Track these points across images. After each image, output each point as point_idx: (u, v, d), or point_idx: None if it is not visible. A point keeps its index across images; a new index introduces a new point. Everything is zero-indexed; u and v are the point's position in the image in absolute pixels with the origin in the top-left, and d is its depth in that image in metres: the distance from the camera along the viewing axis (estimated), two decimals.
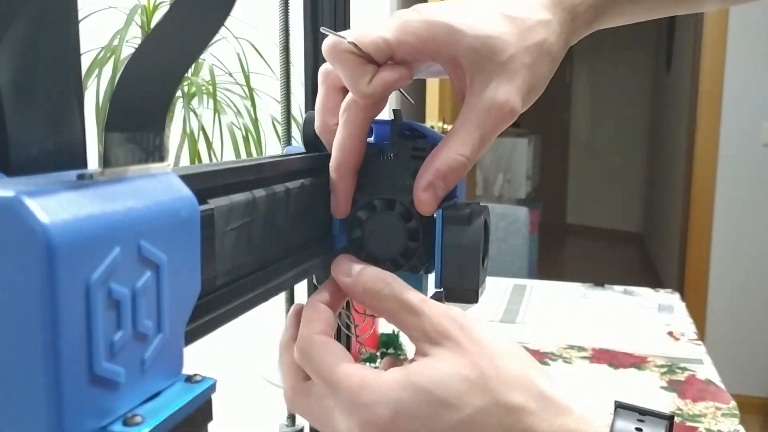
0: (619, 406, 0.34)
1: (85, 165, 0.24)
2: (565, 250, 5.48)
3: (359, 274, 0.36)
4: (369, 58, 0.36)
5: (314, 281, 0.46)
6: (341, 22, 0.50)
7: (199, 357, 0.93)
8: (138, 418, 0.21)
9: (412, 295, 0.35)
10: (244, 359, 0.95)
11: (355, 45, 0.35)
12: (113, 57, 1.48)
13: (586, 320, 1.13)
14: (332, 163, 0.40)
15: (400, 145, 0.43)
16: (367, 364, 0.52)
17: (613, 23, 0.42)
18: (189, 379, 0.24)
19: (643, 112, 5.42)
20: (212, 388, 0.24)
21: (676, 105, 3.89)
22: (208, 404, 0.24)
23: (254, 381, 0.87)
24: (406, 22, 0.36)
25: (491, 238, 0.43)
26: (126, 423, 0.21)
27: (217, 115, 1.58)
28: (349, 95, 0.38)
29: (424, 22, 0.35)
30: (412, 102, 0.46)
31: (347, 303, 0.55)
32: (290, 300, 0.51)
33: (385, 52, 0.36)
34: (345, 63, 0.36)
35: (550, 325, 1.10)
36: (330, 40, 0.36)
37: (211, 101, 1.56)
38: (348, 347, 0.56)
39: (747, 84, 2.51)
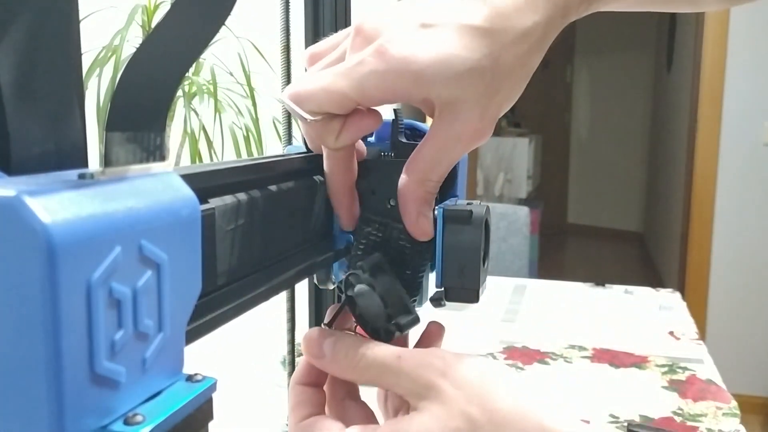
0: (631, 429, 0.34)
1: (86, 164, 0.24)
2: (566, 250, 5.48)
3: (331, 354, 0.35)
4: (332, 115, 0.34)
5: (314, 280, 0.46)
6: (342, 21, 0.50)
7: (200, 356, 0.93)
8: (139, 417, 0.21)
9: (388, 356, 0.33)
10: (245, 359, 0.95)
11: (309, 120, 0.34)
12: (114, 56, 1.48)
13: (586, 320, 1.13)
14: (328, 190, 0.40)
15: (400, 145, 0.43)
16: None
17: (603, 9, 0.39)
18: (190, 378, 0.24)
19: (643, 111, 5.41)
20: (213, 387, 0.24)
21: (677, 104, 3.88)
22: (209, 403, 0.24)
23: (255, 381, 0.88)
24: (369, 73, 0.32)
25: (492, 237, 0.43)
26: (127, 422, 0.21)
27: (217, 114, 1.58)
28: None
29: (389, 73, 0.32)
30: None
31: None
32: (291, 299, 0.51)
33: (348, 107, 0.34)
34: (309, 126, 0.35)
35: (550, 325, 1.10)
36: (291, 110, 0.35)
37: (212, 101, 1.56)
38: None
39: (748, 83, 2.51)
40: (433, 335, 0.41)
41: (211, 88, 1.56)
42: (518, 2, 0.33)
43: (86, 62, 1.51)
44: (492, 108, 0.33)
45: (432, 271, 0.44)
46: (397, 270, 0.38)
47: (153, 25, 1.52)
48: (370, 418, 0.37)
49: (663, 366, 0.92)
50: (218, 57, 1.71)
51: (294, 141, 0.51)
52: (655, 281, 4.04)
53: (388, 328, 0.37)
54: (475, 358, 0.33)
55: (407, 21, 0.33)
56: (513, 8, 0.32)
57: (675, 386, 0.86)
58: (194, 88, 1.57)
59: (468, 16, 0.32)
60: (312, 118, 0.34)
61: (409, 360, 0.33)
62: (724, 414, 0.78)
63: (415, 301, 0.41)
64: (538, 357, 0.95)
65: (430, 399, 0.31)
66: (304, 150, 0.43)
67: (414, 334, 0.41)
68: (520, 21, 0.32)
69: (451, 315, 1.09)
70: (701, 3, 0.44)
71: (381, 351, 0.34)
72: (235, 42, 1.67)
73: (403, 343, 0.41)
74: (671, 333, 1.07)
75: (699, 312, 2.58)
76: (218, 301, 0.29)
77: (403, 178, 0.37)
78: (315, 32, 0.49)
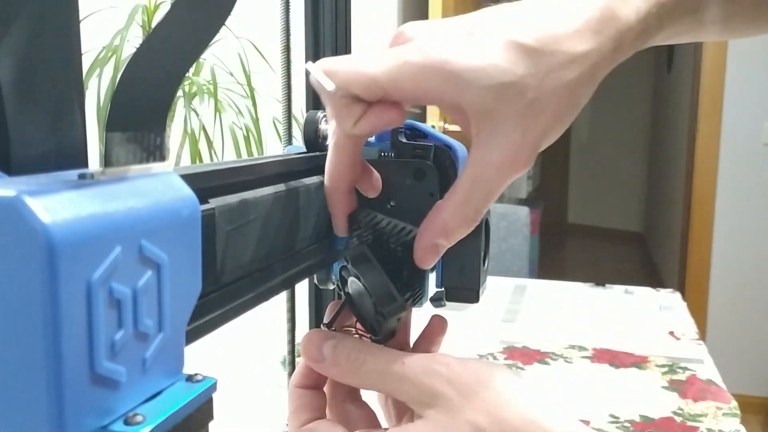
0: None
1: (86, 164, 0.24)
2: (566, 250, 5.48)
3: (332, 357, 0.34)
4: (357, 98, 0.32)
5: (315, 280, 0.46)
6: (342, 21, 0.50)
7: (200, 356, 0.93)
8: (139, 418, 0.21)
9: (391, 362, 0.32)
10: (246, 359, 0.95)
11: (335, 91, 0.32)
12: (114, 56, 1.48)
13: (587, 320, 1.13)
14: (325, 188, 0.38)
15: (400, 145, 0.43)
16: None
17: (655, 44, 0.38)
18: (190, 378, 0.24)
19: (644, 111, 5.41)
20: (213, 387, 0.24)
21: (677, 104, 3.88)
22: (209, 403, 0.24)
23: (255, 381, 0.88)
24: (405, 64, 0.31)
25: (492, 237, 0.43)
26: (127, 422, 0.21)
27: (218, 114, 1.58)
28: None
29: (425, 67, 0.30)
30: (418, 111, 0.45)
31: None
32: (291, 299, 0.51)
33: (375, 93, 0.32)
34: (330, 102, 0.33)
35: (551, 325, 1.10)
36: (314, 82, 0.32)
37: (212, 101, 1.56)
38: None
39: (748, 83, 2.51)
40: (435, 329, 0.40)
41: (212, 88, 1.56)
42: (570, 27, 0.31)
43: (86, 62, 1.51)
44: (533, 132, 0.31)
45: (432, 271, 0.44)
46: (392, 273, 0.37)
47: (153, 25, 1.52)
48: (372, 420, 0.37)
49: (663, 366, 0.92)
50: (218, 57, 1.71)
51: (294, 141, 0.51)
52: (655, 281, 4.03)
53: (376, 318, 0.36)
54: (482, 364, 0.32)
55: (454, 28, 0.32)
56: (564, 33, 0.31)
57: (675, 386, 0.86)
58: (194, 88, 1.57)
59: (518, 33, 0.31)
60: (334, 88, 0.31)
61: (413, 366, 0.32)
62: (724, 414, 0.78)
63: (419, 298, 0.40)
64: (539, 357, 0.95)
65: (436, 407, 0.31)
66: (304, 150, 0.43)
67: (416, 328, 0.41)
68: (570, 46, 0.31)
69: (451, 315, 1.09)
70: (701, 32, 0.43)
71: (384, 356, 0.33)
72: (236, 42, 1.67)
73: (405, 335, 0.40)
74: (671, 333, 1.07)
75: (699, 312, 2.58)
76: (218, 301, 0.29)
77: (439, 205, 0.34)
78: (315, 32, 0.49)
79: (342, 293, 0.39)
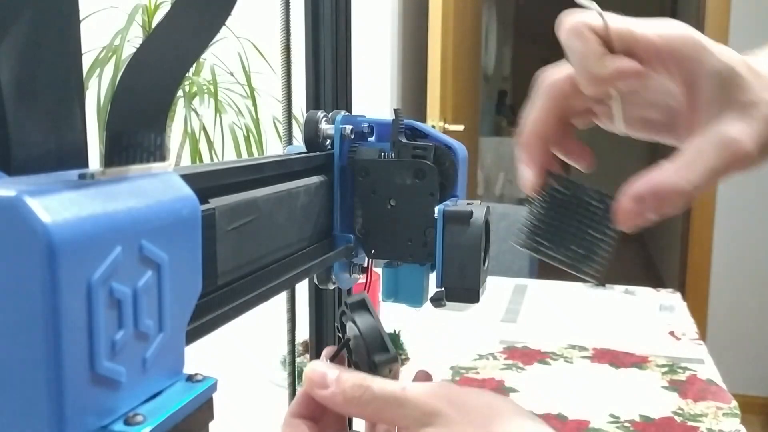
0: None
1: (86, 164, 0.24)
2: None
3: (336, 385, 0.34)
4: (609, 45, 0.32)
5: (315, 280, 0.46)
6: (342, 21, 0.50)
7: (201, 356, 0.93)
8: (139, 417, 0.21)
9: (392, 388, 0.33)
10: (246, 359, 0.95)
11: (605, 24, 0.32)
12: (114, 57, 1.48)
13: (587, 320, 1.13)
14: (523, 138, 0.37)
15: (401, 144, 0.43)
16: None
17: None
18: (190, 378, 0.24)
19: None
20: (213, 387, 0.24)
21: None
22: (210, 403, 0.24)
23: (255, 380, 0.88)
24: (658, 21, 0.33)
25: (492, 237, 0.43)
26: (127, 422, 0.21)
27: (218, 114, 1.58)
28: (562, 75, 0.36)
29: (674, 28, 0.33)
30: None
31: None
32: (291, 299, 0.51)
33: (627, 43, 0.32)
34: (585, 41, 0.32)
35: (551, 325, 1.10)
36: (574, 17, 0.32)
37: (213, 101, 1.56)
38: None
39: None
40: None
41: (212, 88, 1.56)
42: None
43: (87, 62, 1.51)
44: (752, 126, 0.33)
45: (432, 271, 0.44)
46: (580, 229, 0.36)
47: (153, 25, 1.52)
48: None
49: (663, 366, 0.92)
50: (218, 57, 1.71)
51: (294, 141, 0.51)
52: (656, 281, 4.03)
53: (369, 365, 0.37)
54: (482, 390, 0.33)
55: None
56: None
57: (675, 386, 0.86)
58: (194, 88, 1.57)
59: (751, 60, 0.34)
60: (603, 22, 0.32)
61: (415, 391, 0.33)
62: (724, 414, 0.78)
63: (599, 266, 0.38)
64: (539, 357, 0.95)
65: (435, 425, 0.31)
66: (305, 150, 0.43)
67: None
68: None
69: (451, 315, 1.09)
70: None
71: (386, 383, 0.34)
72: (236, 42, 1.67)
73: None
74: (671, 333, 1.07)
75: (699, 312, 2.58)
76: (219, 301, 0.29)
77: (658, 166, 0.34)
78: (315, 32, 0.49)
79: (341, 336, 0.40)
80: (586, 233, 0.37)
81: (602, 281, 0.37)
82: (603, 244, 0.37)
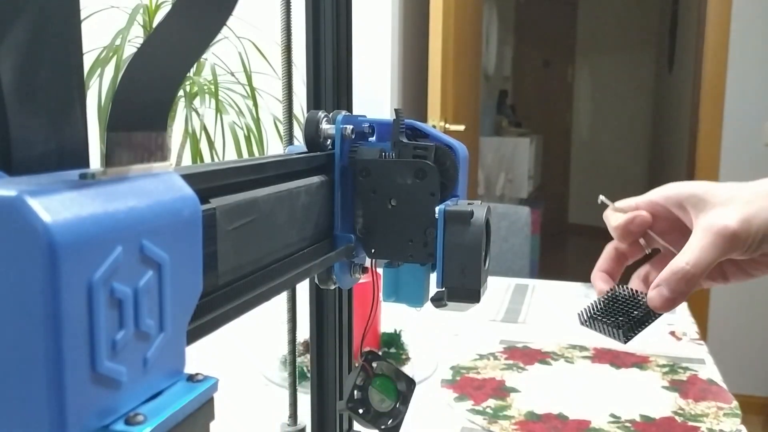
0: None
1: (87, 164, 0.24)
2: (567, 250, 5.48)
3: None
4: (622, 211, 0.50)
5: (315, 281, 0.46)
6: (343, 21, 0.50)
7: (202, 356, 0.93)
8: (140, 417, 0.21)
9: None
10: (246, 359, 0.95)
11: (612, 205, 0.52)
12: (115, 56, 1.48)
13: None
14: (598, 264, 0.54)
15: (401, 144, 0.43)
16: (371, 360, 0.52)
17: None
18: (191, 378, 0.24)
19: (645, 111, 5.41)
20: (214, 387, 0.24)
21: (678, 105, 3.88)
22: (210, 403, 0.24)
23: (256, 380, 0.88)
24: (654, 190, 0.50)
25: (493, 237, 0.43)
26: (128, 422, 0.21)
27: (219, 114, 1.58)
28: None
29: (656, 192, 0.50)
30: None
31: (348, 302, 0.55)
32: (292, 299, 0.51)
33: (631, 206, 0.51)
34: (608, 218, 0.51)
35: (551, 325, 1.10)
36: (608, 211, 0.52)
37: (213, 101, 1.56)
38: (349, 345, 0.56)
39: (749, 84, 2.51)
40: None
41: (212, 88, 1.56)
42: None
43: (88, 62, 1.51)
44: (733, 209, 0.45)
45: (433, 271, 0.44)
46: (627, 312, 0.51)
47: (154, 25, 1.52)
48: None
49: (664, 366, 0.92)
50: (219, 57, 1.71)
51: (295, 141, 0.51)
52: None
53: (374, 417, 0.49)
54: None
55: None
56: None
57: (676, 386, 0.86)
58: (195, 88, 1.57)
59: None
60: (612, 205, 0.51)
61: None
62: (725, 414, 0.78)
63: (633, 333, 0.51)
64: (539, 357, 0.95)
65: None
66: (305, 150, 0.43)
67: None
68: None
69: (452, 315, 1.09)
70: None
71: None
72: (236, 42, 1.67)
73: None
74: (672, 333, 1.07)
75: (700, 312, 2.58)
76: (219, 301, 0.29)
77: (676, 257, 0.46)
78: (316, 32, 0.49)
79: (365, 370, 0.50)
80: (631, 314, 0.50)
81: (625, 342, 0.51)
82: (643, 321, 0.50)
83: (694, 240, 0.45)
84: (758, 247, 0.45)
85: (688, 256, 0.44)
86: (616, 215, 0.50)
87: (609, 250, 0.54)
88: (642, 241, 0.52)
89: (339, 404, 0.51)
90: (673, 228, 0.50)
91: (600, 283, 0.53)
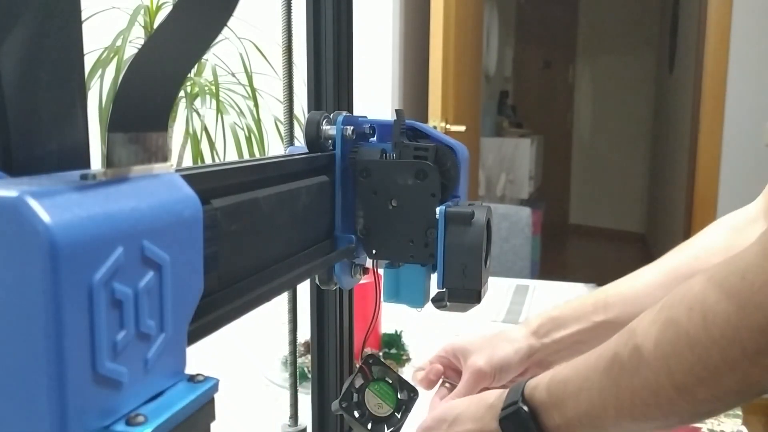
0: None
1: (88, 165, 0.24)
2: (568, 251, 5.48)
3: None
4: (422, 369, 0.68)
5: (316, 281, 0.46)
6: (344, 22, 0.50)
7: (202, 357, 0.93)
8: (141, 418, 0.21)
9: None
10: (247, 359, 0.95)
11: (415, 368, 0.69)
12: (116, 57, 1.48)
13: None
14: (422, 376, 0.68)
15: (402, 145, 0.43)
16: (371, 362, 0.52)
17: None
18: (192, 378, 0.24)
19: (645, 112, 5.41)
20: (215, 387, 0.24)
21: (679, 105, 3.88)
22: (211, 404, 0.24)
23: (257, 381, 0.88)
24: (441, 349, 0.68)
25: (493, 238, 0.43)
26: (129, 422, 0.21)
27: (219, 115, 1.58)
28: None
29: (448, 345, 0.67)
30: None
31: (349, 303, 0.55)
32: (293, 300, 0.51)
33: (427, 364, 0.68)
34: (414, 375, 0.67)
35: None
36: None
37: (214, 101, 1.57)
38: (350, 346, 0.56)
39: (750, 84, 2.51)
40: None
41: (213, 88, 1.56)
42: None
43: (88, 63, 1.51)
44: (482, 355, 0.64)
45: (434, 271, 0.44)
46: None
47: (155, 26, 1.52)
48: None
49: None
50: (220, 57, 1.71)
51: (296, 142, 0.51)
52: None
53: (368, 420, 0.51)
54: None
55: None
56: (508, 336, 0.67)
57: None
58: (196, 89, 1.57)
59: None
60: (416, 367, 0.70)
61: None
62: (726, 414, 0.78)
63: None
64: None
65: None
66: (306, 151, 0.43)
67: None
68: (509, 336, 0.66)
69: (452, 315, 1.09)
70: None
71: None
72: (237, 43, 1.67)
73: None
74: None
75: None
76: (220, 301, 0.29)
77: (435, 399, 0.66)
78: (316, 33, 0.49)
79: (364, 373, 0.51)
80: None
81: None
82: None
83: (463, 380, 0.63)
84: (501, 377, 0.63)
85: (456, 395, 0.62)
86: (418, 373, 0.67)
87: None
88: (443, 379, 0.68)
89: (333, 404, 0.51)
90: (455, 370, 0.67)
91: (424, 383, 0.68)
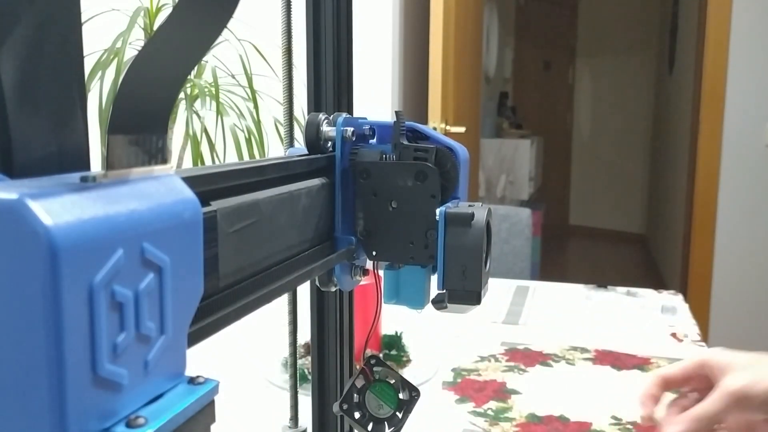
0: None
1: (88, 167, 0.24)
2: (568, 252, 5.47)
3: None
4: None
5: (316, 282, 0.46)
6: (344, 23, 0.50)
7: (202, 358, 0.93)
8: (141, 420, 0.21)
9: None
10: (247, 361, 0.95)
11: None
12: (116, 59, 1.48)
13: (588, 322, 1.13)
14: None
15: (402, 146, 0.43)
16: (372, 363, 0.52)
17: None
18: (192, 380, 0.24)
19: (645, 113, 5.41)
20: (215, 389, 0.24)
21: (679, 106, 3.88)
22: (211, 406, 0.24)
23: (257, 383, 0.87)
24: (683, 361, 0.62)
25: (494, 239, 0.43)
26: (129, 425, 0.21)
27: (219, 116, 1.58)
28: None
29: (689, 360, 0.61)
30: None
31: (349, 305, 0.55)
32: (293, 302, 0.51)
33: (666, 382, 0.64)
34: (642, 404, 0.64)
35: (552, 327, 1.10)
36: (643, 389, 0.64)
37: (214, 103, 1.57)
38: (350, 347, 0.56)
39: (749, 85, 2.51)
40: None
41: (213, 90, 1.56)
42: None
43: (88, 65, 1.51)
44: (742, 375, 0.55)
45: (434, 273, 0.44)
46: None
47: (155, 27, 1.52)
48: None
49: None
50: (220, 59, 1.71)
51: (296, 143, 0.51)
52: (658, 283, 4.03)
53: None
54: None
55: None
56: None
57: (677, 388, 0.86)
58: (196, 91, 1.57)
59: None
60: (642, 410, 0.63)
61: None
62: None
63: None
64: (540, 359, 0.95)
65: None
66: (306, 152, 0.43)
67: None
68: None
69: (453, 316, 1.09)
70: None
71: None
72: (237, 44, 1.67)
73: None
74: (674, 335, 1.06)
75: (701, 313, 2.58)
76: (220, 303, 0.29)
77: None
78: (316, 34, 0.49)
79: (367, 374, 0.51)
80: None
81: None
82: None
83: (712, 396, 0.56)
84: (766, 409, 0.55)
85: (702, 410, 0.56)
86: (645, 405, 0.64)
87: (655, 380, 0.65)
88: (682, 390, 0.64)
89: (333, 406, 0.51)
90: (706, 385, 0.61)
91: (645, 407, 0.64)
